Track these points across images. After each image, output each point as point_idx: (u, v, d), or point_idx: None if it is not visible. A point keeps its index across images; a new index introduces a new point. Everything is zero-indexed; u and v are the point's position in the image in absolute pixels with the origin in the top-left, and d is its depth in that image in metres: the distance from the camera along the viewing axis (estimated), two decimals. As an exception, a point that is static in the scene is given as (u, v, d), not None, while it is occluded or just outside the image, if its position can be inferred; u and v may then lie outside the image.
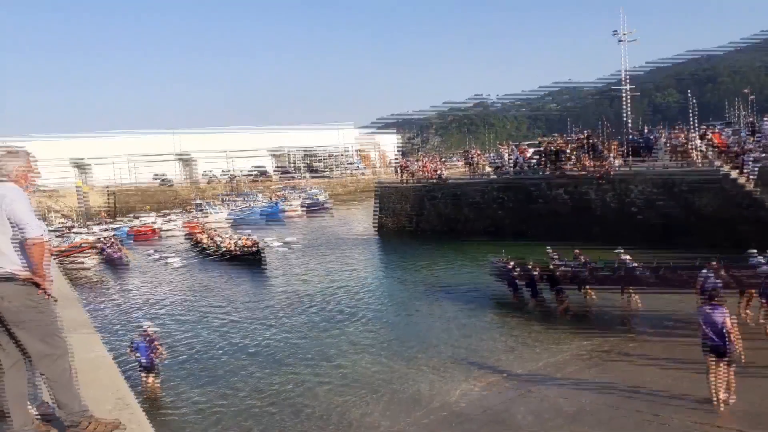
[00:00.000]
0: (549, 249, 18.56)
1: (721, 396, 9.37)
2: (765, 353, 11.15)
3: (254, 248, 29.30)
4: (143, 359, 12.59)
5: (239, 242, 31.27)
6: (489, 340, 14.54)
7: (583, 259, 17.17)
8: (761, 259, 13.39)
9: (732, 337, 9.10)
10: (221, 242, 32.11)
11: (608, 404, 10.13)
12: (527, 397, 10.84)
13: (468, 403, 10.84)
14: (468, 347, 14.12)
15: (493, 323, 16.11)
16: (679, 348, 12.24)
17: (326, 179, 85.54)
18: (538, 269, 17.17)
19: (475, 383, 11.73)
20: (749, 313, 13.29)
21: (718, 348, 9.16)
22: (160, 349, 12.93)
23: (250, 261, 28.82)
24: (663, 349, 12.43)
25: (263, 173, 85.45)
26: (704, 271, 12.83)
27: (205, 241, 34.28)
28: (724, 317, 9.15)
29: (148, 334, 12.89)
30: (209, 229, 36.96)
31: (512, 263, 18.16)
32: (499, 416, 10.20)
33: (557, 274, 16.60)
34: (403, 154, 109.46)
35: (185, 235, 42.17)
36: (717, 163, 23.22)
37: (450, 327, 16.02)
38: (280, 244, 34.91)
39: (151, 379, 12.70)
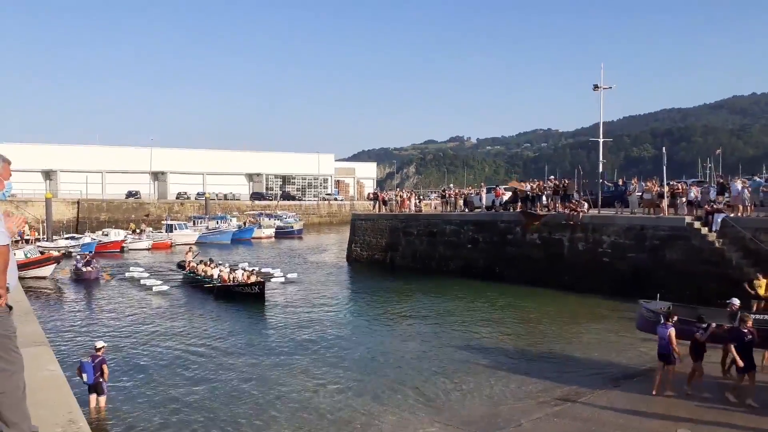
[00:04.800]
0: (735, 300, 13.67)
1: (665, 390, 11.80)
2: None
3: (256, 283, 25.60)
4: (88, 378, 12.20)
5: (239, 275, 27.26)
6: (461, 383, 14.33)
7: None
8: None
9: (674, 347, 11.69)
10: (218, 274, 28.00)
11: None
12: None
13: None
14: (438, 389, 13.86)
15: (466, 367, 15.89)
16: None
17: (300, 204, 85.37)
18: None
19: (441, 427, 11.53)
20: None
21: (666, 355, 11.83)
22: (106, 370, 12.53)
23: (243, 295, 25.51)
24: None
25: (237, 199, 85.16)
26: None
27: (199, 269, 29.81)
28: (670, 333, 11.66)
29: (97, 355, 12.53)
30: (206, 260, 31.31)
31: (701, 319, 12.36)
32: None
33: None
34: (381, 187, 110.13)
35: (177, 264, 34.78)
36: (688, 218, 23.71)
37: (419, 367, 15.76)
38: (281, 278, 31.20)
39: (97, 400, 12.32)
